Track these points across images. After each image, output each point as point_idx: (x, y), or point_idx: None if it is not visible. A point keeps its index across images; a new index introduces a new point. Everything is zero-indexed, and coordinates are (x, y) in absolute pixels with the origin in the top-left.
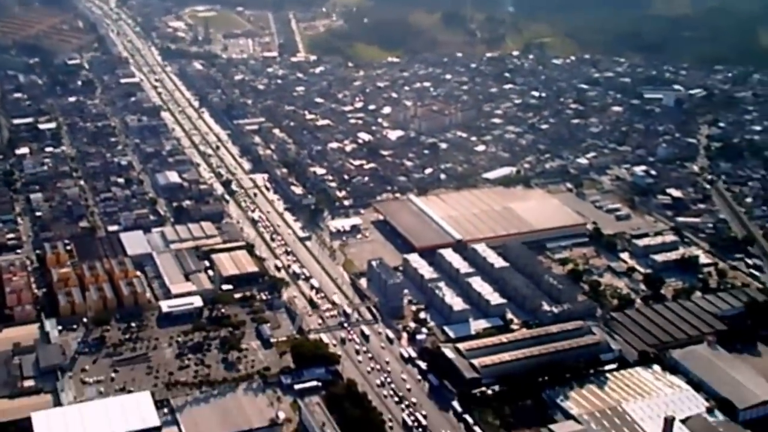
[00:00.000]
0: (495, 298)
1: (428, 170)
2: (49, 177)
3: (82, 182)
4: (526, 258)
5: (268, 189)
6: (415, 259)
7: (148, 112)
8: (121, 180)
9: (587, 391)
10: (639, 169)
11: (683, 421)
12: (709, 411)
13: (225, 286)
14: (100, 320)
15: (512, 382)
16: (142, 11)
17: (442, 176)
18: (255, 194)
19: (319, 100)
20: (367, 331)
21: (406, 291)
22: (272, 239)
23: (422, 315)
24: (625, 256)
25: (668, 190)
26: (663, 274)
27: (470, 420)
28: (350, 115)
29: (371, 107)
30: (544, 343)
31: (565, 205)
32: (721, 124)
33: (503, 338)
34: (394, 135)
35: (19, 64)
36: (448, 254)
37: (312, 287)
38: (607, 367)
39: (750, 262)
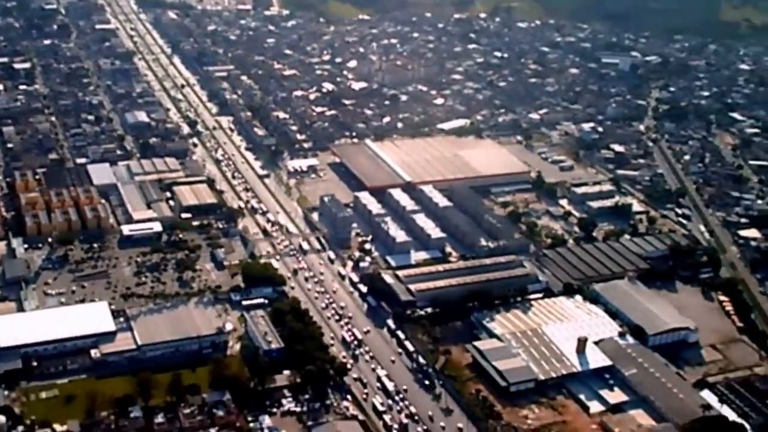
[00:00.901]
0: (436, 233)
1: (386, 119)
2: (21, 112)
3: (53, 118)
4: (470, 199)
5: (232, 131)
6: (365, 196)
7: (121, 56)
8: (91, 117)
9: (512, 315)
10: (587, 126)
11: (596, 343)
12: (621, 335)
13: (184, 215)
14: (64, 240)
15: (444, 305)
16: None
17: (399, 125)
18: (219, 134)
19: (288, 51)
20: (314, 257)
21: (354, 225)
22: (233, 177)
23: (367, 246)
24: (563, 202)
25: (612, 146)
26: (597, 219)
27: (402, 336)
28: (317, 67)
29: (338, 60)
30: (477, 273)
31: (513, 155)
32: (672, 89)
33: (439, 267)
34: (357, 86)
35: None
36: (397, 193)
37: (267, 220)
38: (532, 297)
39: (679, 211)
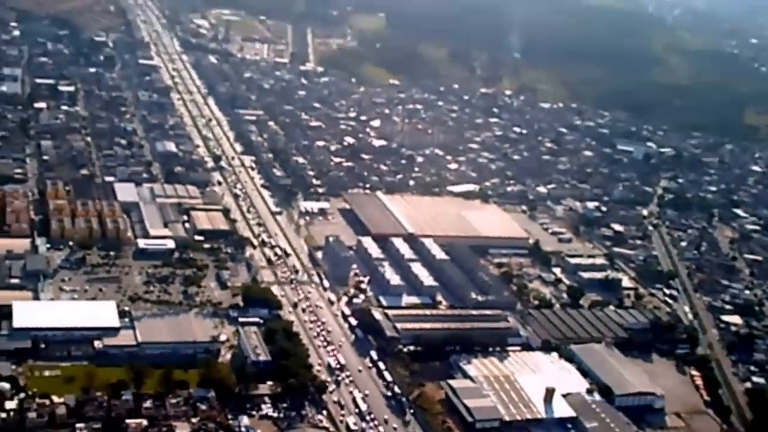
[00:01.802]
0: (429, 281)
1: (400, 176)
2: (60, 130)
3: (89, 139)
4: (467, 256)
5: (253, 169)
6: (368, 241)
7: (159, 91)
8: (124, 142)
9: (488, 361)
10: (591, 204)
11: (564, 395)
12: (589, 392)
13: (197, 237)
14: (84, 245)
15: (426, 345)
16: (171, 5)
17: (411, 182)
18: (240, 171)
19: (317, 105)
20: (312, 289)
21: (354, 266)
22: (248, 211)
23: (363, 286)
24: (557, 270)
25: (612, 225)
26: (585, 289)
27: (382, 366)
28: (342, 122)
29: (363, 118)
30: (461, 321)
31: (516, 222)
32: (681, 180)
33: (427, 312)
34: (377, 143)
35: (50, 33)
36: (398, 242)
37: (274, 252)
38: (511, 348)
39: (667, 292)
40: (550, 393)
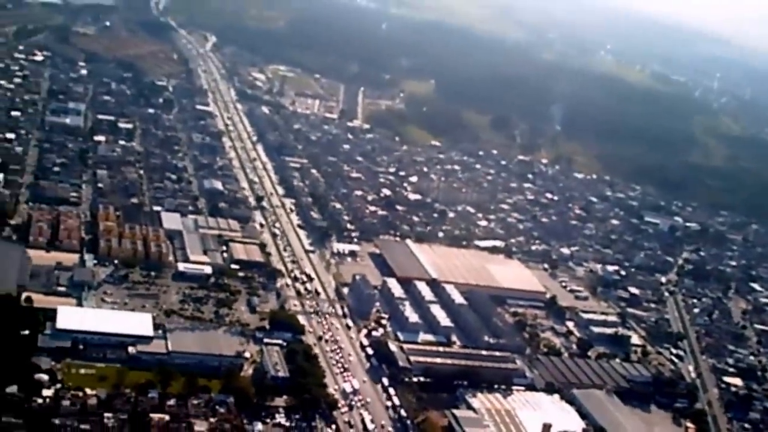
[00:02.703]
0: (446, 321)
1: (430, 227)
2: (116, 161)
3: (141, 171)
4: (484, 303)
5: (292, 211)
6: (392, 282)
7: (212, 134)
8: (174, 177)
9: (492, 397)
10: (611, 267)
11: None
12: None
13: (233, 266)
14: (128, 264)
15: (436, 377)
16: (232, 59)
17: (440, 234)
18: (280, 212)
19: (359, 158)
20: (335, 321)
21: (377, 303)
22: (284, 249)
23: (383, 321)
24: (570, 324)
25: (629, 288)
26: (595, 342)
27: (392, 392)
28: (381, 176)
29: (401, 173)
30: (471, 359)
31: (536, 278)
32: (702, 253)
33: (440, 348)
34: (412, 197)
35: (114, 74)
36: (421, 285)
37: (303, 286)
38: (515, 388)
39: (674, 351)
40: (546, 428)
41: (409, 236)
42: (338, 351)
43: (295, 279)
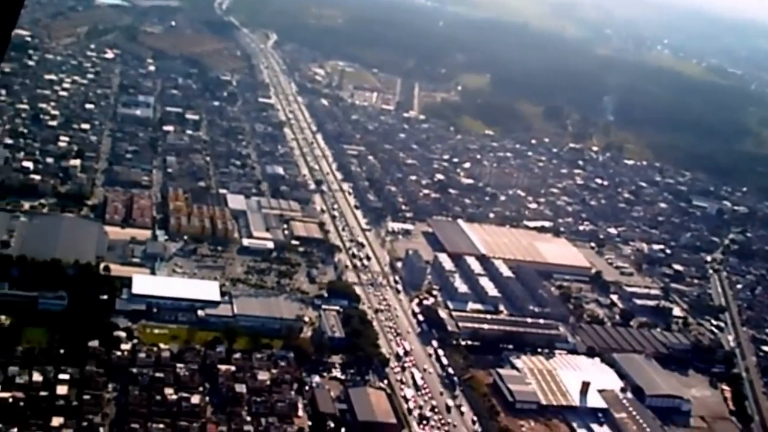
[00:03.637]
0: (493, 292)
1: (481, 209)
2: (184, 149)
3: (208, 158)
4: (531, 277)
5: (350, 194)
6: (443, 257)
7: (274, 124)
8: (238, 163)
9: (536, 359)
10: (657, 247)
11: (599, 390)
12: (623, 390)
13: (294, 242)
14: (197, 239)
15: (483, 341)
16: (293, 56)
17: (491, 215)
18: (338, 195)
19: (414, 146)
20: (389, 291)
21: (429, 276)
22: (343, 229)
23: (434, 292)
24: (614, 297)
25: (674, 265)
26: (637, 313)
27: (441, 353)
28: (435, 162)
29: (455, 160)
30: (517, 325)
31: (582, 255)
32: (749, 235)
33: (488, 315)
34: (465, 182)
35: (181, 70)
36: (470, 260)
37: (360, 260)
38: (558, 352)
39: (714, 322)
40: (585, 386)
41: (460, 217)
42: (391, 318)
43: (353, 256)
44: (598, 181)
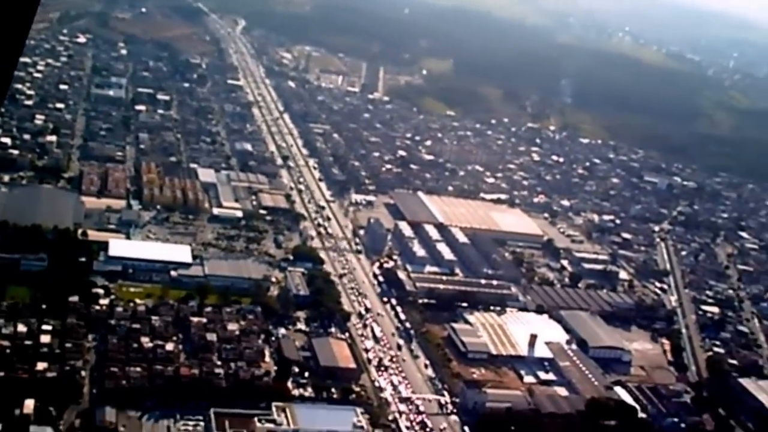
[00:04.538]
0: (450, 256)
1: (440, 182)
2: (155, 127)
3: (179, 135)
4: (486, 243)
5: (315, 168)
6: (403, 225)
7: (243, 105)
8: (208, 140)
9: (488, 315)
10: (607, 217)
11: (546, 343)
12: (568, 342)
13: (261, 211)
14: (169, 208)
15: (438, 299)
16: (261, 41)
17: (450, 188)
18: (304, 170)
19: (378, 125)
20: (351, 256)
21: (389, 242)
22: (309, 202)
23: (394, 256)
24: (564, 262)
25: (623, 234)
26: (585, 276)
27: (399, 310)
28: (398, 140)
29: (417, 138)
30: (470, 286)
31: (535, 224)
32: (696, 207)
33: (444, 276)
34: (426, 158)
35: (152, 54)
36: (429, 228)
37: (324, 228)
38: (509, 309)
39: (658, 285)
40: (533, 338)
41: (421, 190)
42: (353, 279)
43: (318, 225)
44: (554, 158)
